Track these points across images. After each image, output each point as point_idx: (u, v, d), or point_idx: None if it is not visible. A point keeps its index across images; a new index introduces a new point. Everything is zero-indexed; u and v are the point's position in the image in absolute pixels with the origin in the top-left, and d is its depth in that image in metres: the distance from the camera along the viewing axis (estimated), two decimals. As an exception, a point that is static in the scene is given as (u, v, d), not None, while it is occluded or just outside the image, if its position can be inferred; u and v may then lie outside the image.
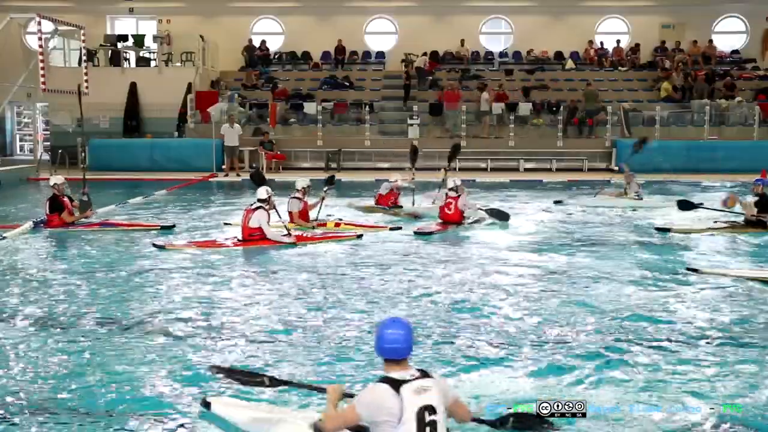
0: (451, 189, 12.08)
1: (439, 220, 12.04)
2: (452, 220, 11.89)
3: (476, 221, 12.25)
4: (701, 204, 12.40)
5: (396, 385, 3.63)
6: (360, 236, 11.05)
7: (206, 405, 4.93)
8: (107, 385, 5.32)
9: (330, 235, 11.24)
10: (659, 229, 11.68)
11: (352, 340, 6.37)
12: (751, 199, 11.64)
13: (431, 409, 3.64)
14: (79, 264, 9.35)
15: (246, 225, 10.38)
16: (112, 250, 10.22)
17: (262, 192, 10.49)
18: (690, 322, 6.91)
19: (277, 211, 10.77)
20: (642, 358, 5.92)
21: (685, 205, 12.33)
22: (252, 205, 10.56)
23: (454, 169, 21.34)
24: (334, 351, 6.09)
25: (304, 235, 11.02)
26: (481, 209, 12.64)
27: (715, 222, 11.90)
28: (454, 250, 10.43)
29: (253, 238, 10.35)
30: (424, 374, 3.74)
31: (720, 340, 6.41)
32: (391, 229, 11.73)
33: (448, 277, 8.66)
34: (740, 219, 11.69)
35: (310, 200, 12.05)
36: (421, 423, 3.60)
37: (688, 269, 8.89)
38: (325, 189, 12.35)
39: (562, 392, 5.18)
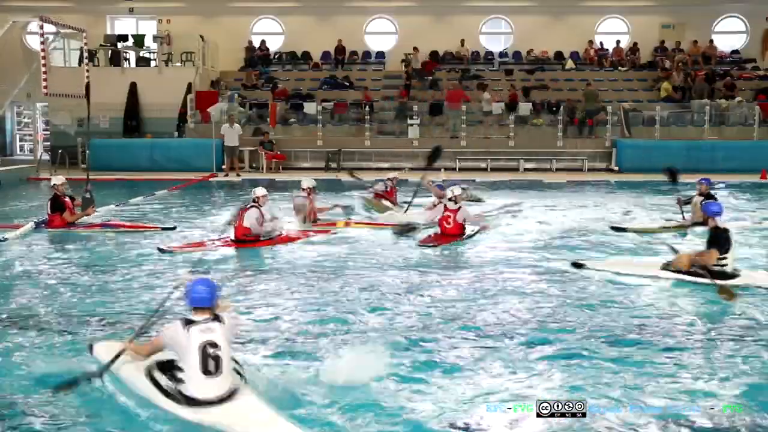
0: (450, 200, 10.93)
1: (438, 231, 10.98)
2: (452, 233, 10.78)
3: (477, 232, 11.21)
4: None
5: (189, 324, 4.68)
6: (335, 232, 11.27)
7: (91, 349, 5.59)
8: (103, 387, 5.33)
9: (315, 230, 11.26)
10: (615, 228, 11.81)
11: (347, 341, 6.39)
12: (697, 199, 11.69)
13: (214, 345, 4.64)
14: (80, 265, 9.34)
15: (240, 225, 10.34)
16: (112, 251, 10.22)
17: (259, 191, 10.59)
18: (689, 322, 6.93)
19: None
20: (642, 358, 5.93)
21: (671, 174, 12.29)
22: (246, 204, 10.57)
23: (453, 169, 21.38)
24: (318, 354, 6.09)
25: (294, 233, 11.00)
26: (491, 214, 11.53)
27: (669, 221, 12.28)
28: (449, 252, 10.36)
29: (247, 238, 10.32)
30: (216, 318, 4.76)
31: (720, 339, 6.42)
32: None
33: (444, 279, 8.66)
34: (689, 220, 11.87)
35: (318, 204, 12.12)
36: (204, 355, 4.61)
37: (573, 264, 9.06)
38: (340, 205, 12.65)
39: (562, 392, 5.19)
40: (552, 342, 6.30)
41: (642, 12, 27.74)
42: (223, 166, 21.06)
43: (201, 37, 25.28)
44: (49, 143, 23.95)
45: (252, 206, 10.42)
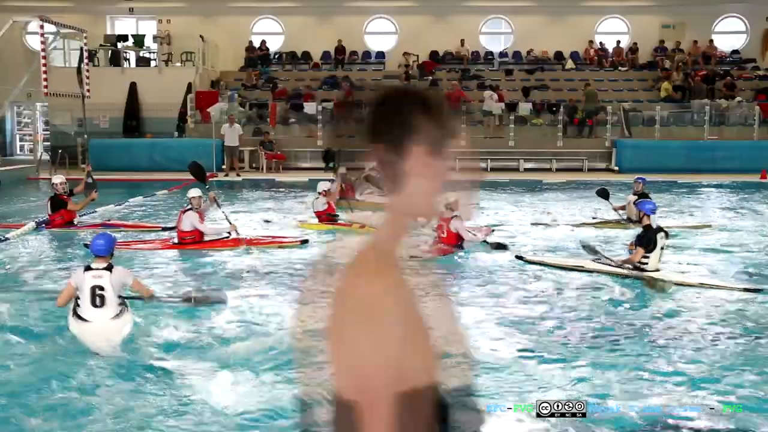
0: (445, 206, 9.53)
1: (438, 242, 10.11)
2: (448, 243, 9.90)
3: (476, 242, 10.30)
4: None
5: (87, 269, 6.23)
6: (305, 241, 10.63)
7: None
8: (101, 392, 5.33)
9: (278, 240, 10.79)
10: (535, 224, 11.96)
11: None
12: (632, 197, 11.70)
13: (100, 288, 6.16)
14: (81, 264, 9.34)
15: (179, 229, 10.23)
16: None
17: (192, 192, 10.32)
18: (689, 322, 6.93)
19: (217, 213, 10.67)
20: (641, 358, 5.93)
21: (602, 193, 12.26)
22: (185, 206, 10.47)
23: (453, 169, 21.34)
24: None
25: (254, 239, 10.66)
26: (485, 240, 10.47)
27: (594, 218, 12.41)
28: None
29: (185, 241, 10.17)
30: (109, 268, 6.21)
31: (720, 339, 6.42)
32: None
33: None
34: (625, 218, 11.93)
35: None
36: (93, 294, 6.15)
37: (517, 257, 9.38)
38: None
39: (562, 392, 5.20)
40: (550, 341, 6.31)
41: (642, 12, 27.73)
42: (223, 166, 21.05)
43: (201, 37, 25.26)
44: (49, 143, 23.96)
45: (188, 209, 10.23)
